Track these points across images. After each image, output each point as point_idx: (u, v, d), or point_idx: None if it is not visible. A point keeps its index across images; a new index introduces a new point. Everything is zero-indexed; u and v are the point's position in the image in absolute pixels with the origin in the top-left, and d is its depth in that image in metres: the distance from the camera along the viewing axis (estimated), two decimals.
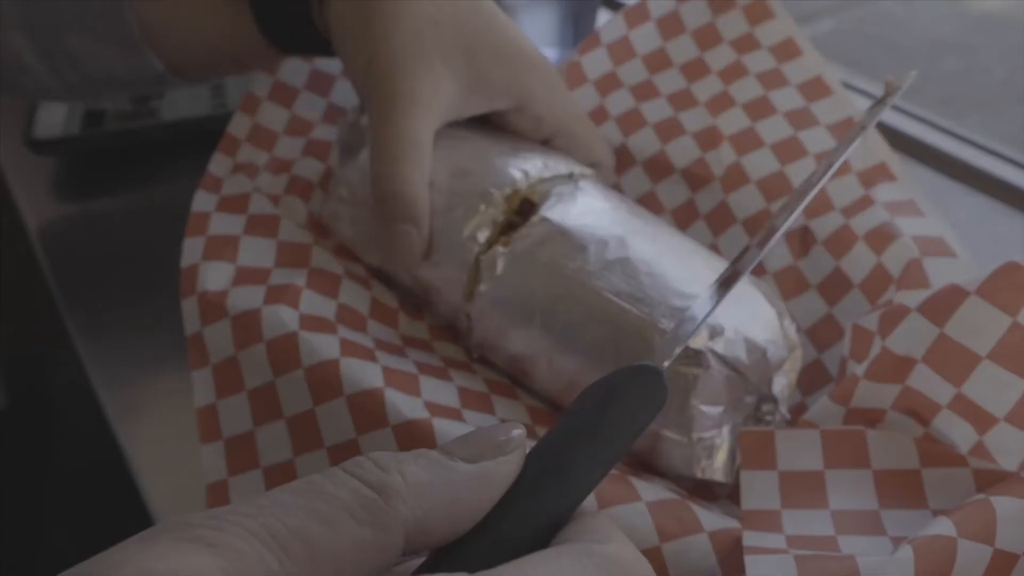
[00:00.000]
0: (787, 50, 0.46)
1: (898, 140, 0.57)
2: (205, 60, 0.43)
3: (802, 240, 0.41)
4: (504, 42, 0.39)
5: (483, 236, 0.35)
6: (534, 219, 0.35)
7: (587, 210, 0.35)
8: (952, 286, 0.30)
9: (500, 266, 0.34)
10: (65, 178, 0.58)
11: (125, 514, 0.40)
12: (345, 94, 0.44)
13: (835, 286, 0.39)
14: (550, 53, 0.65)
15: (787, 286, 0.40)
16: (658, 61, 0.47)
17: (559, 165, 0.38)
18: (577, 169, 0.39)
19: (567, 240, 0.34)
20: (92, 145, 0.57)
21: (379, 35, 0.36)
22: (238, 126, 0.42)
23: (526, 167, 0.36)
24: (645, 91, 0.47)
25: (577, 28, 0.66)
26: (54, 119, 0.56)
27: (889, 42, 2.51)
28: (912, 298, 0.32)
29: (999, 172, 0.55)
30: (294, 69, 0.43)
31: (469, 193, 0.36)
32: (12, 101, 0.58)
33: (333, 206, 0.39)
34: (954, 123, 0.60)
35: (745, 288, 0.34)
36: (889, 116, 0.59)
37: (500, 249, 0.34)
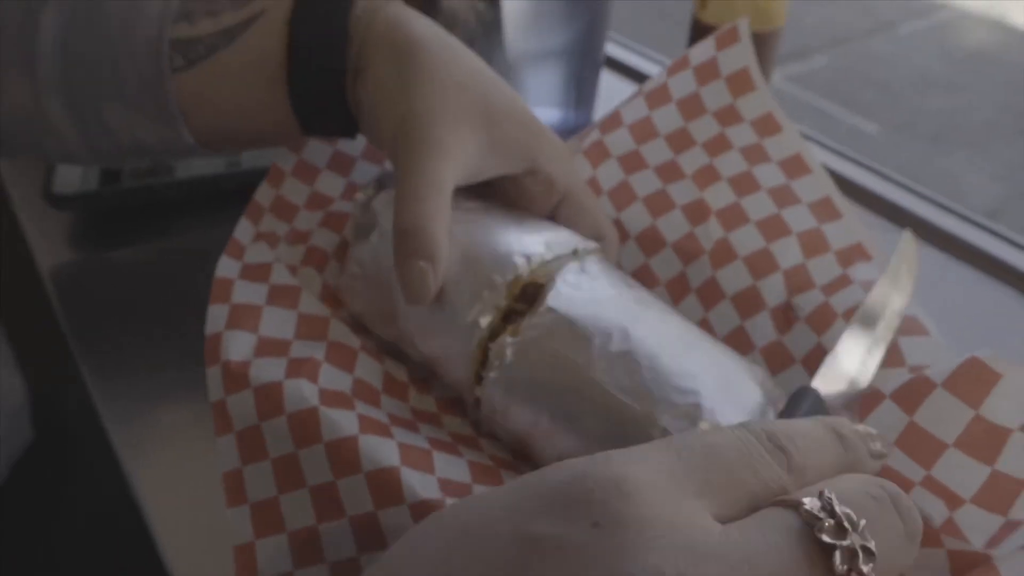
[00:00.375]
0: (768, 125, 0.49)
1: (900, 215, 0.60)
2: (234, 135, 0.45)
3: (785, 317, 0.44)
4: (518, 109, 0.42)
5: (485, 321, 0.37)
6: (541, 308, 0.36)
7: (592, 298, 0.37)
8: (922, 376, 0.33)
9: (509, 355, 0.36)
10: (82, 230, 0.60)
11: (136, 555, 0.43)
12: (364, 174, 0.47)
13: (818, 360, 0.42)
14: (553, 114, 0.67)
15: (773, 361, 0.43)
16: (645, 131, 0.50)
17: (564, 242, 0.40)
18: (582, 245, 0.41)
19: (573, 331, 0.36)
20: (109, 202, 0.59)
21: (414, 95, 0.40)
22: (263, 195, 0.45)
23: (530, 251, 0.39)
24: (633, 163, 0.49)
25: (580, 90, 0.69)
26: (72, 175, 0.59)
27: (879, 79, 2.56)
28: (888, 379, 0.35)
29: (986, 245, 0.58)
30: (317, 149, 0.46)
31: (473, 279, 0.38)
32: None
33: (347, 280, 0.42)
34: (942, 198, 0.63)
35: (740, 375, 0.37)
36: (887, 189, 0.62)
37: (509, 339, 0.36)
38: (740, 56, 0.50)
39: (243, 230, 0.43)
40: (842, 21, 2.77)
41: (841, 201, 0.47)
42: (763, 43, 0.56)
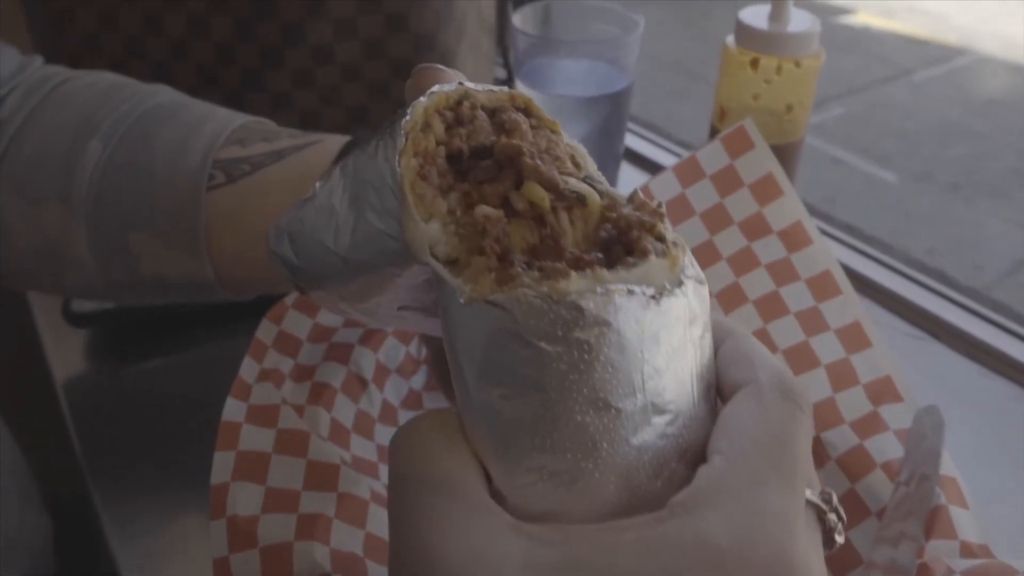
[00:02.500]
0: (796, 238, 0.47)
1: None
2: (254, 264, 0.43)
3: (815, 453, 0.42)
4: None
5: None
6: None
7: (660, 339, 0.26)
8: (1005, 565, 0.31)
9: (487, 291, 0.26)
10: (99, 343, 0.60)
11: None
12: None
13: (852, 507, 0.40)
14: None
15: None
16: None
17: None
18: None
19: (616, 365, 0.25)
20: (126, 319, 0.59)
21: None
22: (265, 332, 0.43)
23: None
24: None
25: None
26: None
27: (897, 128, 2.54)
28: (946, 552, 0.33)
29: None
30: None
31: None
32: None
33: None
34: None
35: None
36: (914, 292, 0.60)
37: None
38: (760, 161, 0.48)
39: (248, 369, 0.42)
40: (858, 70, 2.76)
41: (869, 327, 0.45)
42: (786, 154, 0.55)
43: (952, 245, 2.06)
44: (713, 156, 0.48)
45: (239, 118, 0.45)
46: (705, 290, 0.26)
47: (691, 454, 0.24)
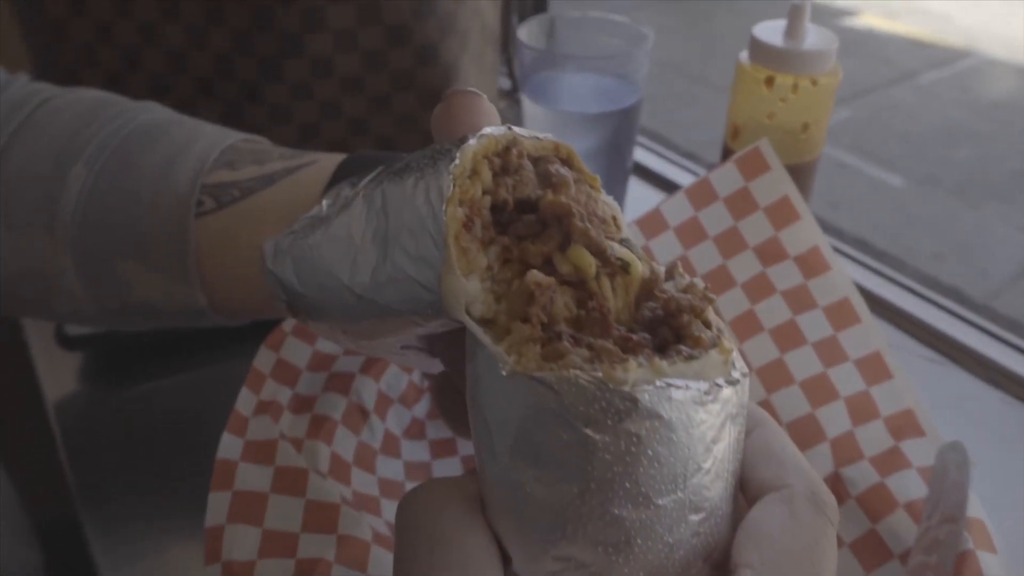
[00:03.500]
0: (814, 263, 0.46)
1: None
2: (246, 291, 0.42)
3: (834, 490, 0.40)
4: None
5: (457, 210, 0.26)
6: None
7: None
8: None
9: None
10: (93, 365, 0.58)
11: None
12: None
13: (871, 548, 0.38)
14: None
15: None
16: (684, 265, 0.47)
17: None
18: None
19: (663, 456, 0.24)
20: (120, 342, 0.58)
21: None
22: (263, 361, 0.42)
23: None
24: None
25: (609, 195, 0.66)
26: None
27: (903, 131, 2.52)
28: None
29: None
30: None
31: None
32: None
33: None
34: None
35: None
36: (930, 313, 0.58)
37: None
38: (776, 183, 0.46)
39: (245, 401, 0.40)
40: (862, 72, 2.75)
41: (890, 357, 0.43)
42: (801, 174, 0.53)
43: (958, 250, 2.05)
44: (727, 178, 0.46)
45: (229, 137, 0.43)
46: (748, 383, 0.25)
47: (717, 553, 0.23)
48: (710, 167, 0.49)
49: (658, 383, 0.21)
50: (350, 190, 0.28)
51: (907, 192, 2.26)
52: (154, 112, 0.45)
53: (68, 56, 0.64)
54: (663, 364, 0.22)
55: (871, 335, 0.44)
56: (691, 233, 0.47)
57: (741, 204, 0.46)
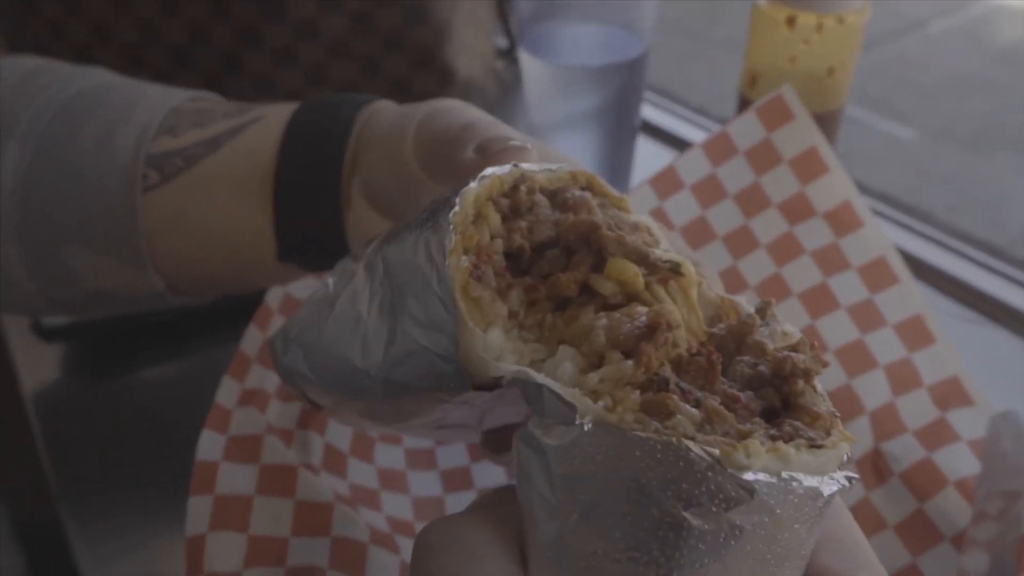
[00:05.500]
0: (845, 219, 0.42)
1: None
2: (204, 266, 0.39)
3: (875, 468, 0.37)
4: None
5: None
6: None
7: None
8: None
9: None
10: (76, 359, 0.55)
11: None
12: None
13: (917, 530, 0.35)
14: None
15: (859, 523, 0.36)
16: (699, 232, 0.43)
17: None
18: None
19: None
20: (100, 332, 0.55)
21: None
22: (250, 343, 0.38)
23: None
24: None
25: (614, 160, 0.62)
26: None
27: (913, 82, 2.46)
28: None
29: None
30: (305, 285, 0.40)
31: None
32: None
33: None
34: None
35: None
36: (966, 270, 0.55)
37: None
38: (801, 133, 0.43)
39: (227, 392, 0.37)
40: (870, 22, 2.68)
41: (932, 321, 0.39)
42: (827, 124, 0.49)
43: (973, 203, 2.00)
44: (747, 129, 0.42)
45: (173, 98, 0.39)
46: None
47: None
48: (727, 120, 0.45)
49: (783, 475, 0.18)
50: (353, 263, 0.26)
51: (920, 145, 2.20)
52: (91, 76, 0.41)
53: (37, 30, 0.61)
54: (790, 451, 0.18)
55: (911, 296, 0.40)
56: (709, 191, 0.43)
57: (763, 157, 0.42)
